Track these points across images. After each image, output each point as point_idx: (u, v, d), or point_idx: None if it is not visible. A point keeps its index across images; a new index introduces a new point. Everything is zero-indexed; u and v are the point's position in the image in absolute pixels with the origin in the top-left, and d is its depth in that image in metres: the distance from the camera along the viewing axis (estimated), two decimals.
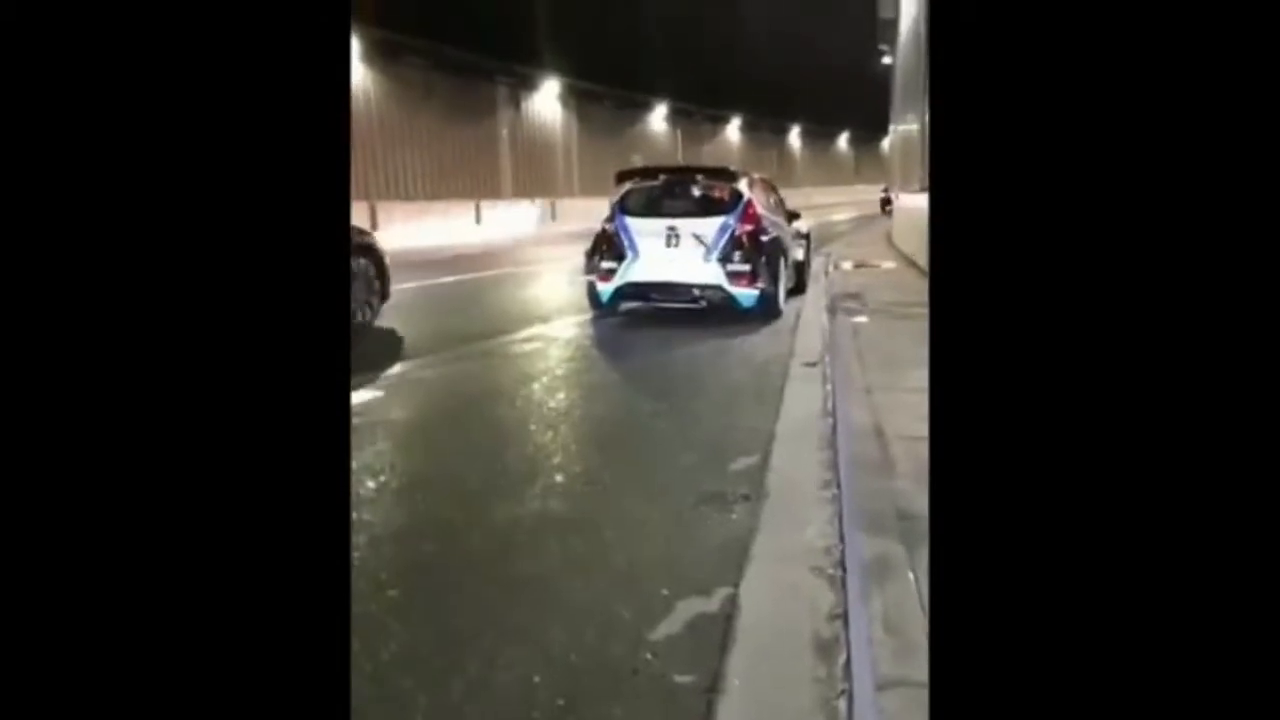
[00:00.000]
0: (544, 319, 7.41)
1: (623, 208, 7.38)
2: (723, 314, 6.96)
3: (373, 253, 6.77)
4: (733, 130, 40.91)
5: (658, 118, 34.16)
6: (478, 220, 18.97)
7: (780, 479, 3.13)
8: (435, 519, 2.78)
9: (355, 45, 18.57)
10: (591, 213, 11.33)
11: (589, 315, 7.37)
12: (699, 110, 36.93)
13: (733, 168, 8.11)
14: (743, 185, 7.40)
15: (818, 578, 2.29)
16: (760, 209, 7.32)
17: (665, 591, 2.23)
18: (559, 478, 3.20)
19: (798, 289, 8.40)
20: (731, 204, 7.15)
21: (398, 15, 19.16)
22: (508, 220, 19.60)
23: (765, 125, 43.61)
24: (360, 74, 19.25)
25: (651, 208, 7.35)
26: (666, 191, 7.57)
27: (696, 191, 7.50)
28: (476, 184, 22.83)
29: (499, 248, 16.62)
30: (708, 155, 35.39)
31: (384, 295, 6.90)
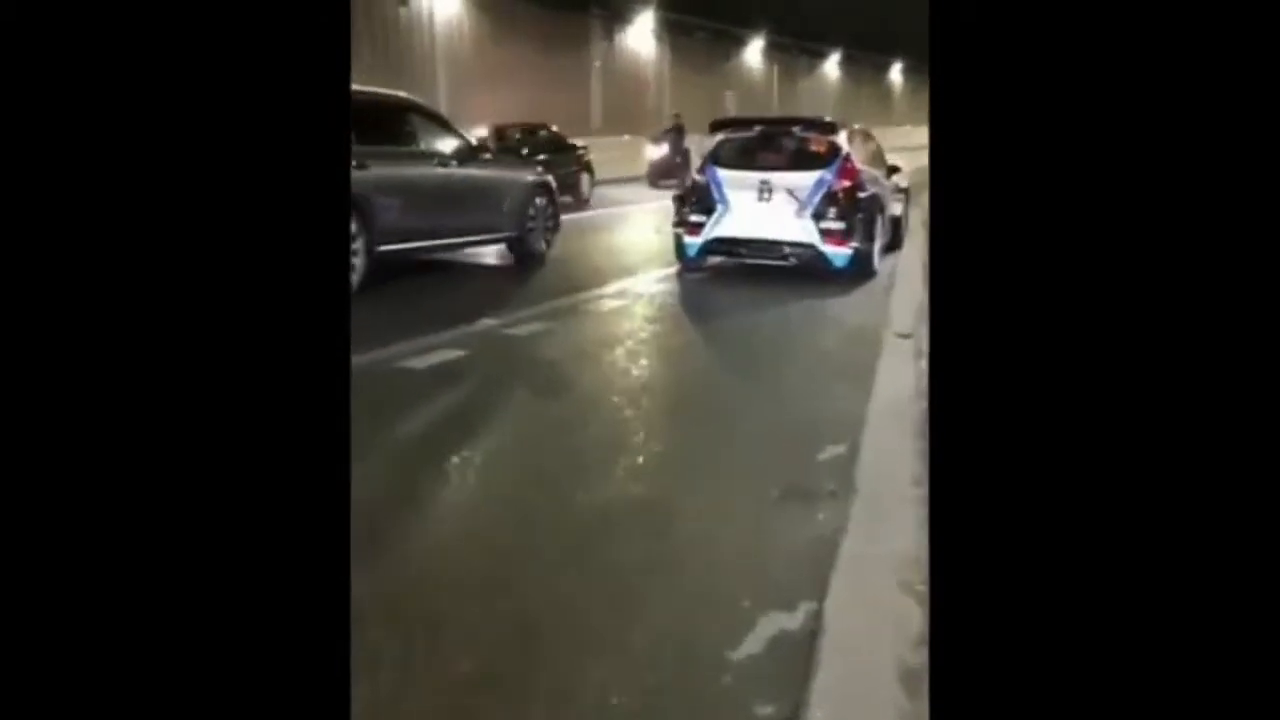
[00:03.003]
0: (630, 271, 7.32)
1: (715, 158, 7.15)
2: (813, 272, 6.73)
3: (548, 190, 7.93)
4: (831, 66, 39.31)
5: (753, 52, 33.06)
6: None
7: (870, 473, 3.01)
8: (512, 502, 2.77)
9: None
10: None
11: (675, 268, 7.23)
12: (796, 44, 35.57)
13: (831, 118, 7.76)
14: (841, 139, 7.07)
15: (905, 595, 2.19)
16: (859, 164, 6.99)
17: (746, 604, 2.17)
18: (640, 459, 3.15)
19: (894, 245, 8.06)
20: (829, 158, 6.84)
21: None
22: (596, 156, 19.38)
23: (866, 60, 41.77)
24: (455, 5, 19.12)
25: (745, 160, 7.09)
26: (761, 143, 7.29)
27: (792, 144, 7.18)
28: (567, 118, 22.62)
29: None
30: (804, 91, 34.17)
31: (556, 228, 8.14)
